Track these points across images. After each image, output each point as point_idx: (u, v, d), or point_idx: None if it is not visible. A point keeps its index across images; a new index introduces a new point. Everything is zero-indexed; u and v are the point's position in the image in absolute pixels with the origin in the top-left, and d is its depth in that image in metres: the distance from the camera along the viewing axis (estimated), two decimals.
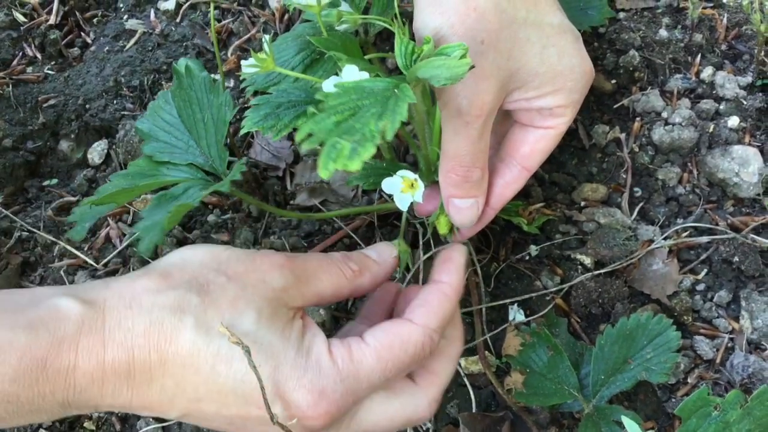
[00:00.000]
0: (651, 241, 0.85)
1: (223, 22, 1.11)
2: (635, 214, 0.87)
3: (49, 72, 1.12)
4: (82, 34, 1.16)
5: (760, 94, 0.91)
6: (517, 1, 0.62)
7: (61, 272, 0.93)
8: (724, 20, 0.98)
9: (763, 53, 0.91)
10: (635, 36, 0.96)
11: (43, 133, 1.05)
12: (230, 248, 0.63)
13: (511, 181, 0.70)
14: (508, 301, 0.84)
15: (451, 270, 0.67)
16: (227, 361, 0.56)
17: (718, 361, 0.79)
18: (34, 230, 0.97)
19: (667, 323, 0.76)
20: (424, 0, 0.61)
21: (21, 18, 1.16)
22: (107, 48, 1.12)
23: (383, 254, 0.70)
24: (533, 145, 0.69)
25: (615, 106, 0.94)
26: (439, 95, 0.62)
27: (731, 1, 0.99)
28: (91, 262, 0.94)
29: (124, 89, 1.07)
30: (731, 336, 0.80)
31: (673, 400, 0.78)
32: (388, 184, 0.69)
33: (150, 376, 0.56)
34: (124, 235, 0.95)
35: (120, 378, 0.56)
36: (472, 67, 0.51)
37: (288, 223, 0.93)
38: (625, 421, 0.65)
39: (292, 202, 0.95)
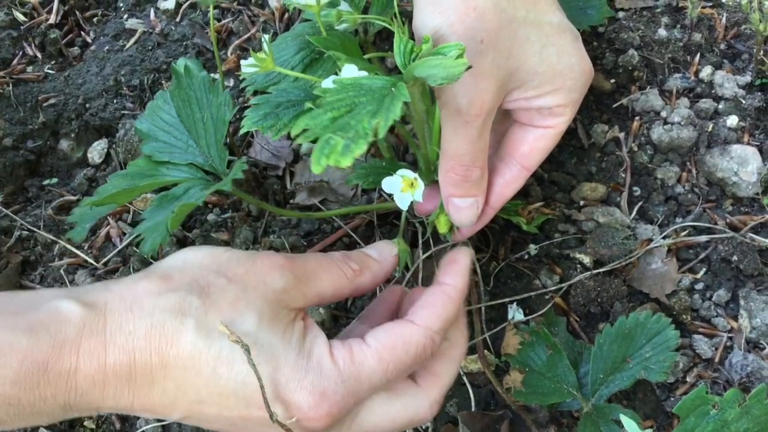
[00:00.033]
0: (650, 240, 0.85)
1: (223, 22, 1.11)
2: (634, 213, 0.87)
3: (49, 71, 1.12)
4: (82, 33, 1.16)
5: (759, 93, 0.91)
6: (516, 0, 0.62)
7: (61, 271, 0.93)
8: (723, 19, 0.98)
9: (761, 52, 0.91)
10: (634, 35, 0.96)
11: (44, 132, 1.05)
12: (230, 250, 0.63)
13: (510, 180, 0.70)
14: (507, 300, 0.84)
15: (455, 272, 0.67)
16: (228, 363, 0.56)
17: (716, 360, 0.80)
18: (35, 229, 0.97)
19: (666, 322, 0.76)
20: None
21: (21, 17, 1.16)
22: (107, 47, 1.12)
23: (383, 253, 0.70)
24: (533, 145, 0.69)
25: (614, 106, 0.94)
26: (438, 94, 0.62)
27: (730, 0, 0.99)
28: (91, 261, 0.94)
29: (124, 88, 1.08)
30: (730, 335, 0.81)
31: (672, 398, 0.79)
32: (388, 184, 0.69)
33: (151, 379, 0.56)
34: (125, 234, 0.96)
35: (121, 381, 0.56)
36: (469, 67, 0.52)
37: (288, 222, 0.93)
38: (624, 419, 0.65)
39: (291, 201, 0.95)
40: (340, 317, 0.86)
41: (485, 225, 0.74)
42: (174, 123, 0.86)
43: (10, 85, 1.08)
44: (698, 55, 0.95)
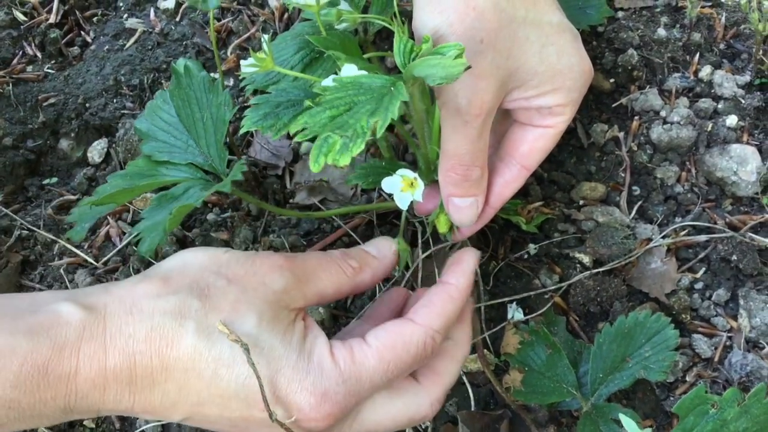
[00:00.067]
0: (649, 240, 0.85)
1: (223, 21, 1.11)
2: (634, 212, 0.87)
3: (49, 71, 1.12)
4: (82, 33, 1.16)
5: (759, 92, 0.91)
6: (516, 0, 0.62)
7: (61, 271, 0.93)
8: (723, 19, 0.98)
9: (761, 52, 0.91)
10: (634, 35, 0.97)
11: (43, 131, 1.05)
12: (230, 251, 0.63)
13: (510, 180, 0.70)
14: (506, 299, 0.84)
15: (459, 272, 0.67)
16: (229, 365, 0.56)
17: (716, 359, 0.80)
18: (34, 229, 0.97)
19: (666, 322, 0.76)
20: None
21: (21, 17, 1.16)
22: (107, 47, 1.12)
23: (382, 249, 0.70)
24: (532, 144, 0.69)
25: (614, 105, 0.94)
26: (438, 94, 0.62)
27: (729, 0, 0.99)
28: (90, 260, 0.94)
29: (124, 88, 1.08)
30: (729, 334, 0.81)
31: (672, 398, 0.79)
32: (388, 183, 0.69)
33: (152, 382, 0.56)
34: (124, 233, 0.96)
35: (122, 384, 0.56)
36: (468, 67, 0.52)
37: (287, 221, 0.93)
38: (623, 419, 0.65)
39: (291, 200, 0.95)
40: (339, 316, 0.86)
41: (485, 224, 0.74)
42: (174, 123, 0.86)
43: (10, 84, 1.08)
44: (697, 54, 0.96)
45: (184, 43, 1.10)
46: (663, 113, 0.92)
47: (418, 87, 0.62)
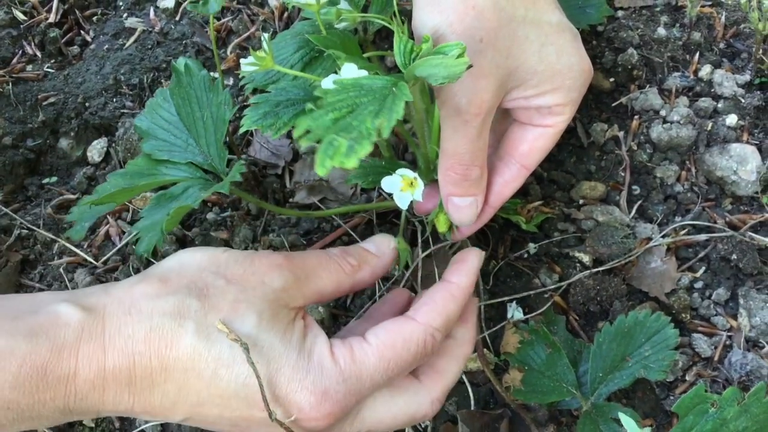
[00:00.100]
0: (649, 239, 0.85)
1: (223, 21, 1.11)
2: (633, 212, 0.87)
3: (49, 70, 1.12)
4: (82, 32, 1.16)
5: (758, 92, 0.91)
6: None
7: (61, 270, 0.93)
8: (723, 18, 0.98)
9: (761, 51, 0.91)
10: (634, 34, 0.96)
11: (43, 131, 1.05)
12: (228, 250, 0.63)
13: (510, 179, 0.70)
14: (506, 298, 0.84)
15: (461, 271, 0.67)
16: (229, 365, 0.56)
17: (716, 358, 0.80)
18: (34, 228, 0.97)
19: (665, 321, 0.76)
20: None
21: (21, 16, 1.16)
22: (107, 46, 1.12)
23: (381, 246, 0.70)
24: (532, 144, 0.69)
25: (613, 105, 0.94)
26: (437, 93, 0.62)
27: None
28: (90, 259, 0.94)
29: (124, 87, 1.08)
30: (729, 334, 0.81)
31: (672, 397, 0.79)
32: (388, 183, 0.69)
33: (151, 382, 0.56)
34: (124, 232, 0.96)
35: (121, 385, 0.56)
36: (470, 66, 0.52)
37: (287, 221, 0.93)
38: (623, 418, 0.65)
39: (291, 200, 0.95)
40: (339, 316, 0.86)
41: (485, 224, 0.74)
42: (174, 121, 0.86)
43: (10, 83, 1.08)
44: (697, 53, 0.96)
45: (183, 42, 1.10)
46: (663, 112, 0.92)
47: (418, 86, 0.62)
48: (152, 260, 0.88)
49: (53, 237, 0.96)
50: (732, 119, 0.89)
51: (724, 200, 0.87)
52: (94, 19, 1.17)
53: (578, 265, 0.85)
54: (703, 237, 0.85)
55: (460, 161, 0.65)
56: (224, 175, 0.82)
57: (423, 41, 0.56)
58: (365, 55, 0.74)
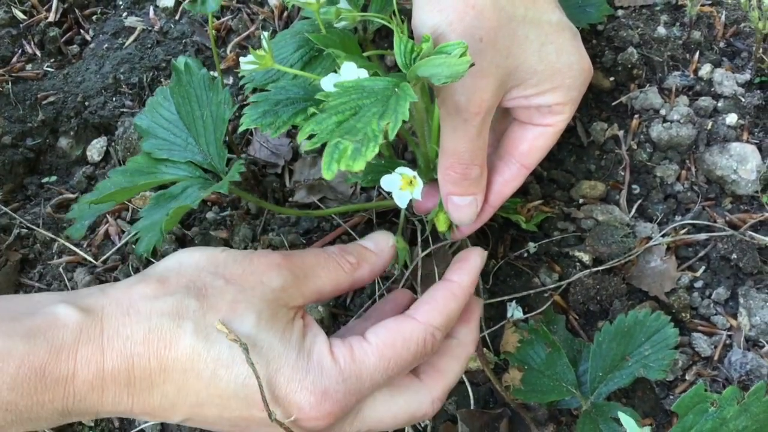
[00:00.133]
0: (649, 239, 0.85)
1: (222, 20, 1.11)
2: (633, 211, 0.87)
3: (49, 69, 1.12)
4: (82, 31, 1.16)
5: (758, 91, 0.91)
6: None
7: (60, 269, 0.93)
8: (723, 18, 0.98)
9: (761, 50, 0.91)
10: (634, 33, 0.96)
11: (43, 130, 1.05)
12: (227, 250, 0.63)
13: (509, 178, 0.70)
14: (506, 298, 0.84)
15: (463, 270, 0.67)
16: (228, 365, 0.56)
17: (716, 358, 0.80)
18: (34, 227, 0.97)
19: (665, 320, 0.76)
20: None
21: (20, 15, 1.16)
22: (106, 45, 1.12)
23: (380, 244, 0.69)
24: (532, 143, 0.69)
25: (613, 104, 0.94)
26: (437, 93, 0.62)
27: None
28: (90, 259, 0.94)
29: (124, 86, 1.07)
30: (729, 333, 0.81)
31: (671, 397, 0.79)
32: (387, 182, 0.69)
33: (150, 383, 0.56)
34: (123, 232, 0.96)
35: (120, 386, 0.56)
36: (472, 64, 0.51)
37: (287, 220, 0.93)
38: (623, 417, 0.65)
39: (290, 199, 0.95)
40: (339, 315, 0.86)
41: (484, 223, 0.74)
42: (173, 120, 0.86)
43: (10, 83, 1.08)
44: (697, 53, 0.95)
45: (183, 41, 1.10)
46: (663, 112, 0.92)
47: (418, 86, 0.62)
48: (152, 260, 0.88)
49: (53, 236, 0.96)
50: (732, 118, 0.89)
51: (724, 199, 0.87)
52: (94, 18, 1.17)
53: (578, 264, 0.85)
54: (703, 236, 0.85)
55: (459, 160, 0.65)
56: (223, 174, 0.82)
57: (423, 40, 0.56)
58: (365, 54, 0.74)
